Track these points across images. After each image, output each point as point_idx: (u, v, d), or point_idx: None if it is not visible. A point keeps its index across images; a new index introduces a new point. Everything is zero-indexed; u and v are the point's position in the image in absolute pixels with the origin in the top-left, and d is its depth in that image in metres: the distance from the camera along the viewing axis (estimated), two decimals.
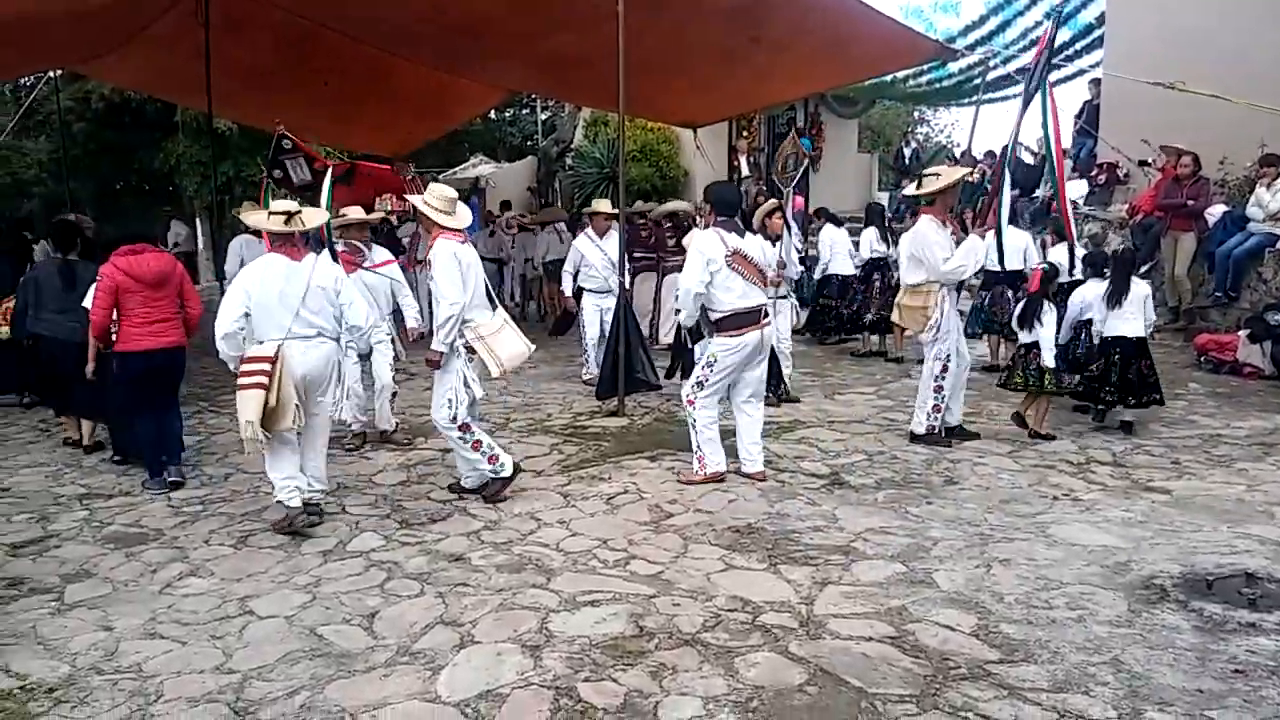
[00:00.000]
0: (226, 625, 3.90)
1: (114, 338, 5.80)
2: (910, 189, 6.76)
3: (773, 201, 8.07)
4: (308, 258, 5.11)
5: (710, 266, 5.50)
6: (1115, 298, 6.66)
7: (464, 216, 5.51)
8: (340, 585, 4.30)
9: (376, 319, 6.08)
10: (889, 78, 14.56)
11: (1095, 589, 4.10)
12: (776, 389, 7.53)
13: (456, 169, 21.85)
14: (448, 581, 4.31)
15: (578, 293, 9.01)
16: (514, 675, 3.42)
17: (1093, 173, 13.01)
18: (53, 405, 7.11)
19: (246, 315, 4.87)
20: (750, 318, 5.61)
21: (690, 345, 6.71)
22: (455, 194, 5.55)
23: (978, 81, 12.16)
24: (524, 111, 25.21)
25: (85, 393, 6.34)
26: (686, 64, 9.48)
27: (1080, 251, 8.30)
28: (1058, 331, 6.76)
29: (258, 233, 7.66)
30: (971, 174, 11.22)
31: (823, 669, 3.43)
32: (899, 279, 9.21)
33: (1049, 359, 6.55)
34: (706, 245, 5.57)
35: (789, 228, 7.98)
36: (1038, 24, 14.50)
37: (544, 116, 22.75)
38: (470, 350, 5.30)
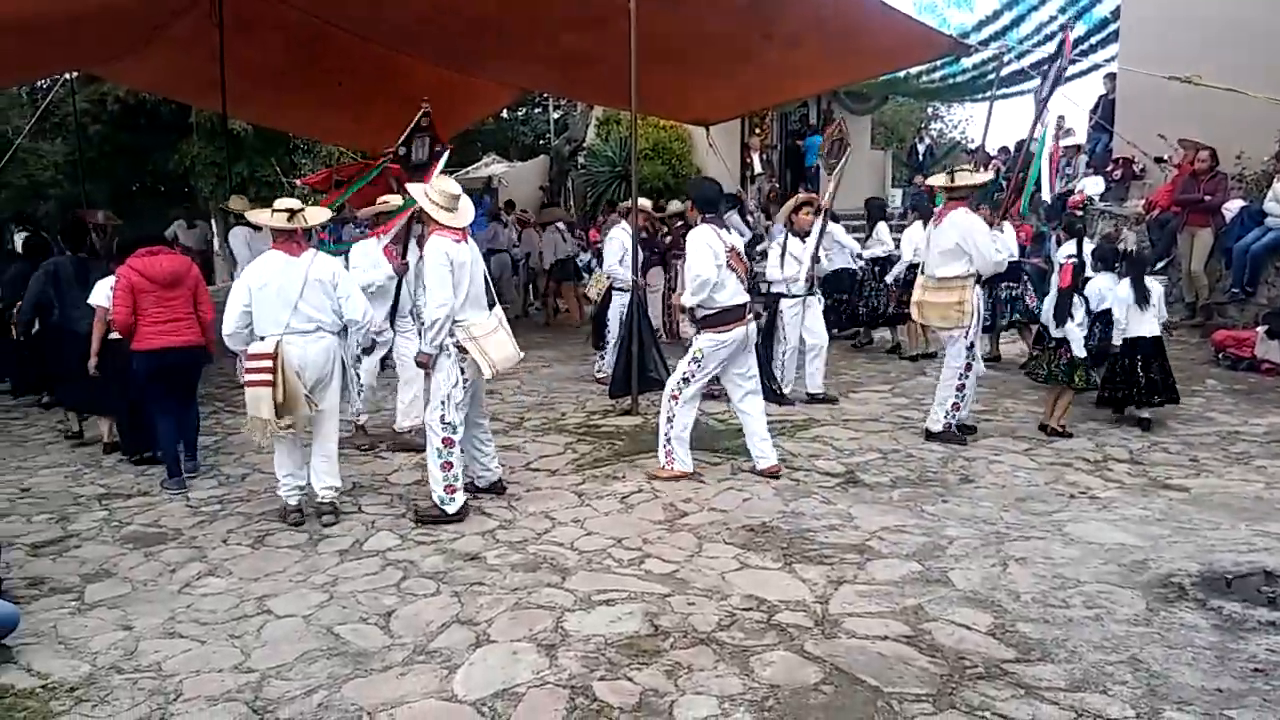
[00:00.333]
0: (245, 624, 3.93)
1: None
2: (941, 179, 6.71)
3: (801, 195, 8.08)
4: (306, 253, 5.19)
5: (717, 260, 5.54)
6: (1141, 302, 6.69)
7: (465, 214, 5.28)
8: (357, 584, 4.32)
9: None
10: (902, 73, 14.52)
11: (1113, 587, 4.08)
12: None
13: (469, 168, 21.90)
14: (463, 580, 4.33)
15: (607, 291, 8.87)
16: (530, 674, 3.43)
17: (1109, 168, 12.92)
18: (61, 399, 7.17)
19: (248, 312, 5.02)
20: (738, 313, 5.70)
21: None
22: (459, 190, 5.31)
23: (992, 77, 12.10)
24: (536, 110, 25.26)
25: (91, 387, 6.50)
26: (698, 61, 9.47)
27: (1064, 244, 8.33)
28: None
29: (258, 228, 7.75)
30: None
31: (838, 668, 3.42)
32: (900, 275, 9.26)
33: (1080, 350, 6.55)
34: (711, 239, 5.61)
35: (834, 218, 8.04)
36: (1052, 18, 14.44)
37: (556, 115, 22.79)
38: (462, 350, 5.10)
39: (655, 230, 10.27)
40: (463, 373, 5.12)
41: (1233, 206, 10.01)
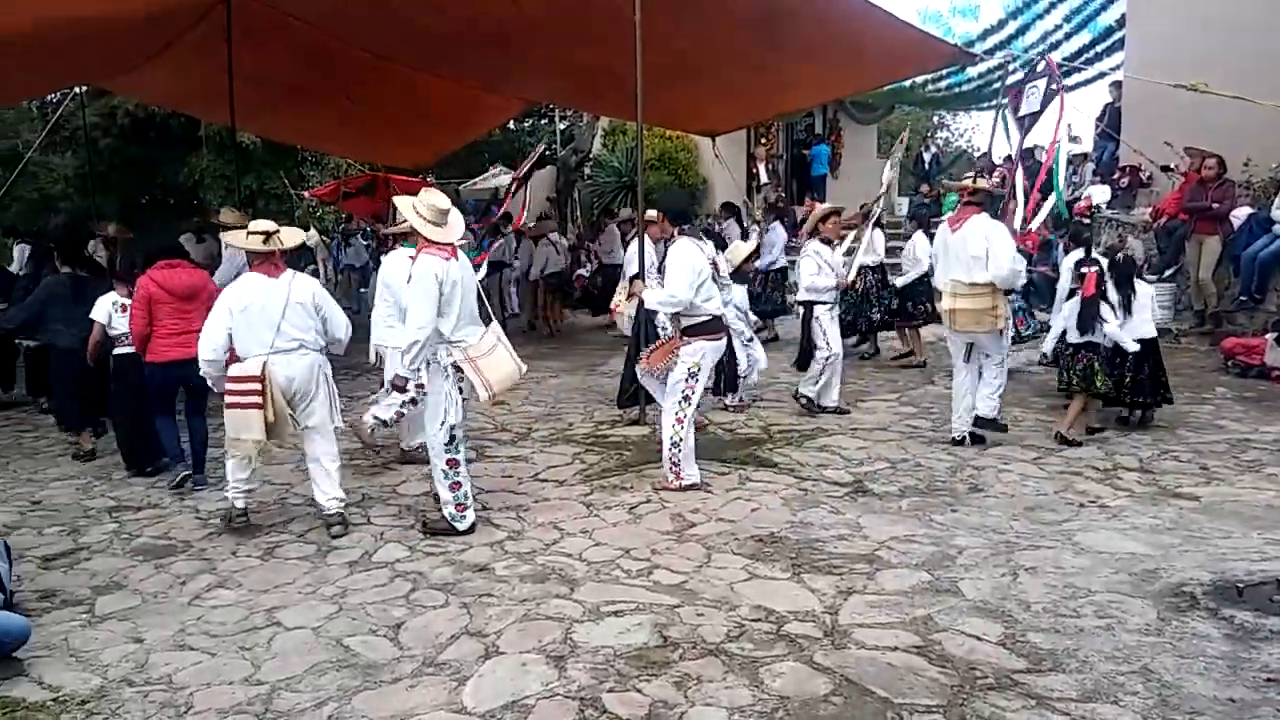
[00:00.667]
0: (255, 636, 3.94)
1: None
2: (964, 182, 6.85)
3: (827, 205, 8.11)
4: (285, 274, 5.23)
5: (700, 277, 5.66)
6: (1126, 306, 6.69)
7: (454, 229, 5.14)
8: (366, 596, 4.33)
9: None
10: (908, 83, 14.51)
11: (1124, 597, 4.06)
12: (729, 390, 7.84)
13: (476, 179, 21.98)
14: (472, 592, 4.33)
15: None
16: (539, 686, 3.43)
17: (1115, 176, 12.91)
18: (63, 418, 7.22)
19: (229, 334, 5.03)
20: (720, 322, 5.87)
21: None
22: (448, 204, 5.13)
23: (997, 85, 12.10)
24: (543, 121, 25.31)
25: (85, 403, 6.84)
26: (704, 72, 9.49)
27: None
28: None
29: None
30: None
31: (848, 679, 3.42)
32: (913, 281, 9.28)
33: (1131, 346, 6.58)
34: (694, 258, 5.69)
35: (881, 227, 8.14)
36: (1057, 27, 14.45)
37: (563, 126, 22.86)
38: (458, 370, 5.00)
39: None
40: (460, 393, 5.04)
41: (1240, 214, 9.99)
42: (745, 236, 10.89)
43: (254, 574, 4.65)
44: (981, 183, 6.70)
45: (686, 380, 5.70)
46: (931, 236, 9.76)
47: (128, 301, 6.29)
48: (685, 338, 5.73)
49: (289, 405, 5.10)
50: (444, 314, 4.90)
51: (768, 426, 7.41)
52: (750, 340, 8.08)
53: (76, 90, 13.88)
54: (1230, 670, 3.40)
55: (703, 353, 5.72)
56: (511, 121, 22.31)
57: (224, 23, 9.22)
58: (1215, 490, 5.59)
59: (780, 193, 17.46)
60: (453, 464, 5.05)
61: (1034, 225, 8.02)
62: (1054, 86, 8.02)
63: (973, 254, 6.30)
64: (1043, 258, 9.59)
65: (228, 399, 5.05)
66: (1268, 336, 8.78)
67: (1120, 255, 7.12)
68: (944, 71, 14.88)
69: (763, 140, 17.93)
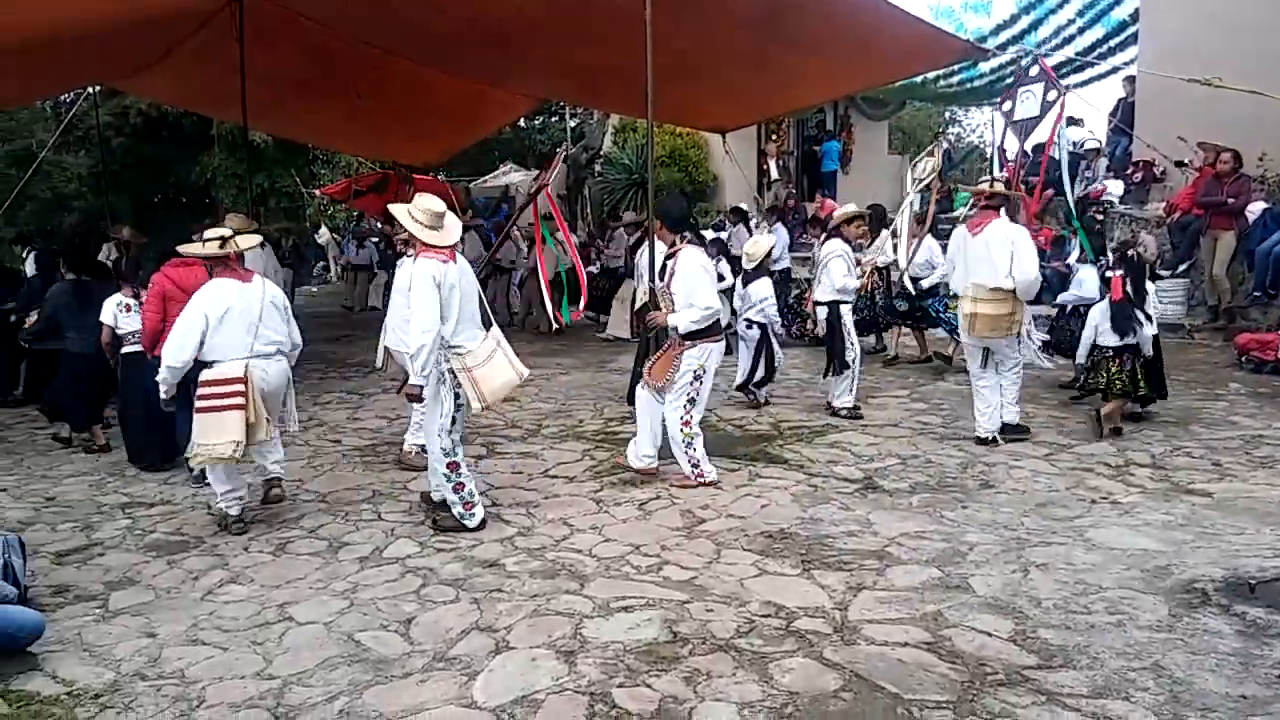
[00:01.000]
0: (266, 631, 3.96)
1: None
2: (981, 185, 6.89)
3: (851, 208, 8.09)
4: (255, 278, 5.31)
5: (713, 279, 5.83)
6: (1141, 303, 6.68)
7: (451, 232, 5.09)
8: (377, 591, 4.35)
9: None
10: (919, 78, 14.47)
11: (1135, 593, 4.05)
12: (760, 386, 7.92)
13: (486, 177, 22.02)
14: (482, 587, 4.34)
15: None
16: (549, 681, 3.44)
17: (1128, 171, 12.84)
18: (71, 420, 7.32)
19: (203, 341, 5.00)
20: (720, 324, 5.91)
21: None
22: (442, 207, 5.07)
23: (1010, 81, 12.06)
24: (553, 119, 25.36)
25: (91, 403, 7.08)
26: (714, 69, 9.48)
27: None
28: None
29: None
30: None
31: (858, 675, 3.41)
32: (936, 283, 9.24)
33: (1149, 350, 6.67)
34: (705, 263, 5.85)
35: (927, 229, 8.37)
36: (1070, 22, 14.38)
37: (573, 123, 22.89)
38: (455, 376, 4.96)
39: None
40: (457, 398, 5.00)
41: (1255, 209, 9.93)
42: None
43: (265, 569, 4.68)
44: (998, 186, 6.70)
45: (692, 382, 5.72)
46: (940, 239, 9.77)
47: (132, 302, 6.41)
48: (688, 342, 5.72)
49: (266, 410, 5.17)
50: (444, 317, 4.85)
51: (778, 423, 7.41)
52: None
53: (90, 90, 13.98)
54: (1242, 667, 3.38)
55: (708, 353, 5.74)
56: (522, 119, 22.35)
57: (235, 22, 9.27)
58: (1228, 486, 5.55)
59: (791, 189, 17.43)
60: (453, 467, 5.03)
61: (1045, 221, 8.04)
62: (1051, 94, 8.08)
63: (996, 258, 6.26)
64: (1056, 253, 9.54)
65: (200, 403, 4.99)
66: None
67: (1133, 253, 7.07)
68: (956, 67, 14.84)
69: (773, 136, 17.89)
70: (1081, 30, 14.72)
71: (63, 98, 17.85)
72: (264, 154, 19.21)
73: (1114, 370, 6.63)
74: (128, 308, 6.44)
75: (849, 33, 8.41)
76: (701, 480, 5.78)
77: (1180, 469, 5.93)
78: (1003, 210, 6.57)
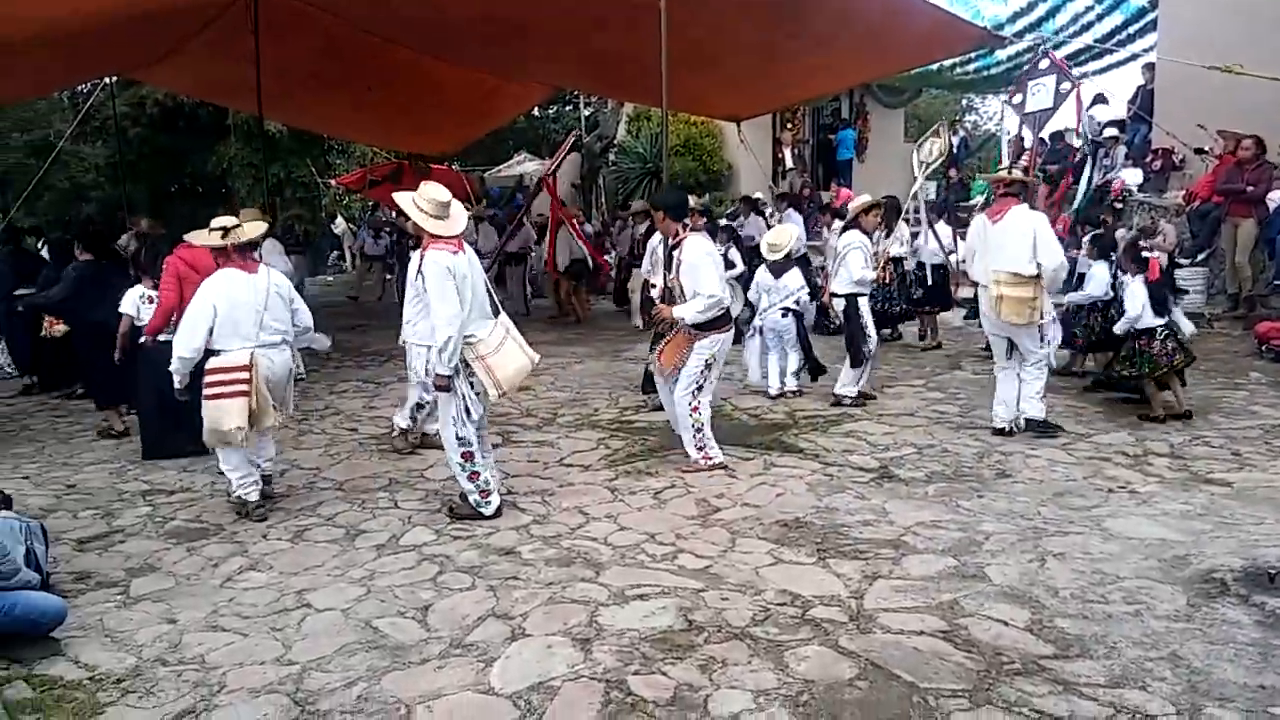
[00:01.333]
0: (285, 618, 3.99)
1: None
2: (1000, 173, 6.88)
3: (867, 198, 8.06)
4: (261, 267, 5.36)
5: (720, 268, 5.86)
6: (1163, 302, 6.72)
7: (457, 222, 5.03)
8: (394, 579, 4.37)
9: None
10: (935, 66, 14.36)
11: (1153, 583, 4.03)
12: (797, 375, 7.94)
13: (500, 166, 22.02)
14: (499, 575, 4.36)
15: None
16: (565, 668, 3.45)
17: (1148, 159, 12.72)
18: (96, 397, 7.39)
19: (210, 330, 5.05)
20: (729, 314, 5.93)
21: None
22: (448, 196, 5.02)
23: (1027, 68, 11.96)
24: (567, 108, 25.33)
25: (120, 383, 6.95)
26: (729, 58, 9.46)
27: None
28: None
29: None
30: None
31: (874, 663, 3.41)
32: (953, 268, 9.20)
33: (1188, 328, 6.82)
34: (711, 249, 5.90)
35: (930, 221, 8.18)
36: (1088, 8, 14.22)
37: (587, 113, 22.86)
38: (468, 366, 4.93)
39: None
40: (472, 387, 4.99)
41: (1276, 196, 9.82)
42: (769, 227, 10.83)
43: (284, 557, 4.71)
44: (1017, 173, 6.71)
45: (702, 371, 5.80)
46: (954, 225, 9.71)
47: (154, 294, 6.44)
48: (698, 332, 5.74)
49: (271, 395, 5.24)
50: None
51: (793, 412, 7.40)
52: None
53: (106, 80, 14.06)
54: (1261, 657, 3.36)
55: (718, 344, 5.81)
56: (536, 108, 22.33)
57: (249, 14, 9.30)
58: (1247, 476, 5.51)
59: (805, 178, 17.36)
60: (468, 456, 5.04)
61: (1071, 209, 8.01)
62: (1064, 86, 8.00)
63: (1018, 244, 6.22)
64: (1074, 240, 9.47)
65: (208, 390, 5.06)
66: None
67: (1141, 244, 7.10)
68: (972, 54, 14.72)
69: (788, 125, 17.83)
70: (1100, 17, 14.53)
71: (80, 88, 17.97)
72: (279, 144, 19.27)
73: (1157, 350, 6.63)
74: (150, 299, 6.48)
75: (865, 20, 8.37)
76: (709, 462, 5.84)
77: (1199, 458, 5.88)
78: (1022, 196, 6.54)
